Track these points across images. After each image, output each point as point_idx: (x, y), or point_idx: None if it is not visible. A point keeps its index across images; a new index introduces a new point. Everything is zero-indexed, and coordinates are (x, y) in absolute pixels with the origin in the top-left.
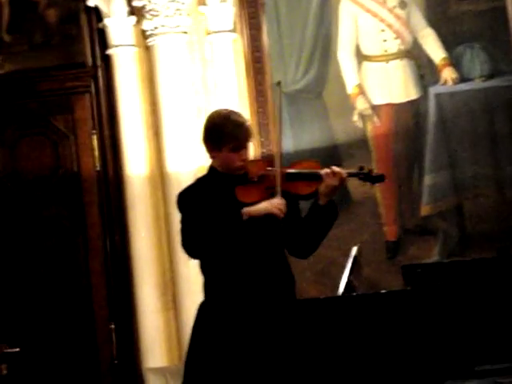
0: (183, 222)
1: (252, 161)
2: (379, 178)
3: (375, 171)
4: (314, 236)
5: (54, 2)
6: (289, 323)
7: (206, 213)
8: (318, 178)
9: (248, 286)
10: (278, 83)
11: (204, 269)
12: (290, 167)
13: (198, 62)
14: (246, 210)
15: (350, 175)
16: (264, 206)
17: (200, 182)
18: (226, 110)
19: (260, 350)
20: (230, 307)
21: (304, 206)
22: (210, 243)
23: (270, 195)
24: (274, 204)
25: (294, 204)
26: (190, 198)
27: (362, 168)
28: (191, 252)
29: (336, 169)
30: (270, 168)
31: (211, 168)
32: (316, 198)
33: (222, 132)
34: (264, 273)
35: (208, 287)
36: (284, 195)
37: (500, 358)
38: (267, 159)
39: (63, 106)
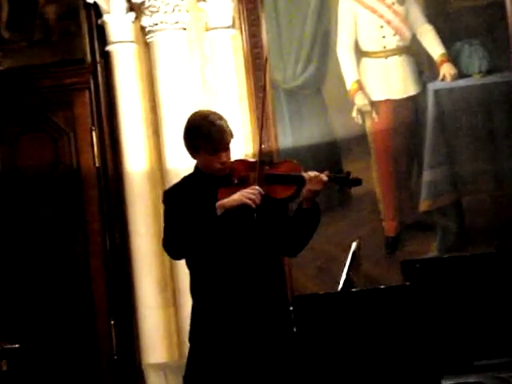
0: (164, 220)
1: (239, 161)
2: (356, 182)
3: (352, 175)
4: (300, 236)
5: None
6: (279, 320)
7: (186, 212)
8: (298, 181)
9: (231, 283)
10: (266, 59)
11: (189, 268)
12: (271, 169)
13: (197, 58)
14: (219, 203)
15: (331, 180)
16: (236, 196)
17: (185, 181)
18: (204, 111)
19: (254, 349)
20: (217, 307)
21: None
22: (186, 241)
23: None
24: (245, 194)
25: (277, 205)
26: (173, 197)
27: (340, 171)
28: (170, 251)
29: (315, 173)
30: (252, 171)
31: (196, 167)
32: (300, 202)
33: (198, 136)
34: (247, 269)
35: (194, 287)
36: (264, 198)
37: (499, 352)
38: (253, 162)
39: (63, 102)
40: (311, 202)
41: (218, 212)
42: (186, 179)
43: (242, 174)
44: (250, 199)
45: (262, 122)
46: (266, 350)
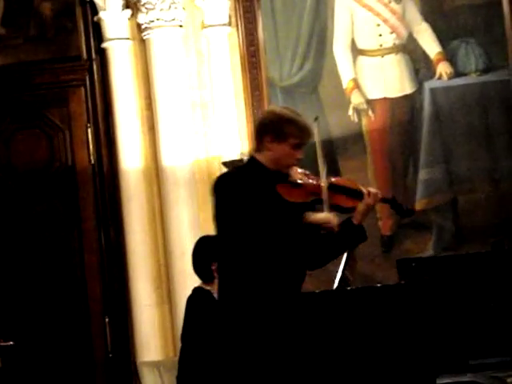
0: (231, 208)
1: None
2: (409, 213)
3: (406, 206)
4: (334, 252)
5: None
6: (291, 318)
7: (255, 204)
8: (358, 195)
9: (265, 284)
10: (316, 118)
11: (227, 269)
12: (335, 179)
13: (194, 55)
14: (307, 215)
15: (385, 201)
16: (321, 217)
17: (240, 172)
18: (293, 111)
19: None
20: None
21: None
22: (260, 233)
23: (313, 201)
24: (330, 218)
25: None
26: (235, 184)
27: (394, 198)
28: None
29: (373, 190)
30: (308, 173)
31: (254, 161)
32: (349, 217)
33: (290, 127)
34: (285, 276)
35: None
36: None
37: (494, 352)
38: (311, 175)
39: (58, 99)
40: (363, 217)
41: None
42: (240, 170)
43: (300, 176)
44: (331, 223)
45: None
46: (268, 350)
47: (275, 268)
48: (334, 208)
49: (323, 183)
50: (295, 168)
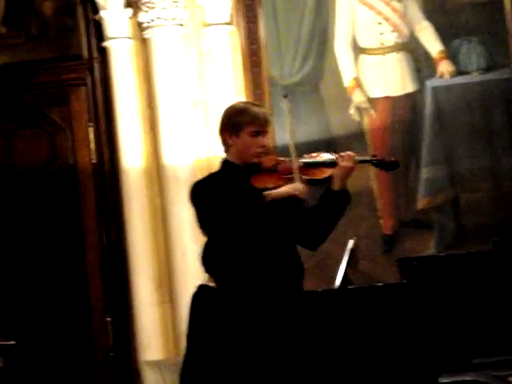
0: (207, 209)
1: (266, 156)
2: (393, 165)
3: (388, 159)
4: (325, 224)
5: None
6: (294, 316)
7: (228, 198)
8: (331, 164)
9: (260, 276)
10: (286, 96)
11: (216, 261)
12: (303, 158)
13: (195, 54)
14: (267, 192)
15: (364, 161)
16: (285, 189)
17: (213, 176)
18: (244, 101)
19: (261, 344)
20: (241, 298)
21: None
22: (238, 222)
23: (287, 182)
24: (294, 187)
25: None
26: (207, 188)
27: (374, 156)
28: (224, 235)
29: (345, 153)
30: (283, 158)
31: (225, 162)
32: (328, 185)
33: (242, 117)
34: (278, 265)
35: (221, 279)
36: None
37: (496, 351)
38: (278, 155)
39: (59, 98)
40: (342, 182)
41: (266, 199)
42: (213, 175)
43: (272, 161)
44: (298, 190)
45: (292, 131)
46: (272, 347)
47: (266, 261)
48: (311, 183)
49: (294, 161)
50: (268, 156)
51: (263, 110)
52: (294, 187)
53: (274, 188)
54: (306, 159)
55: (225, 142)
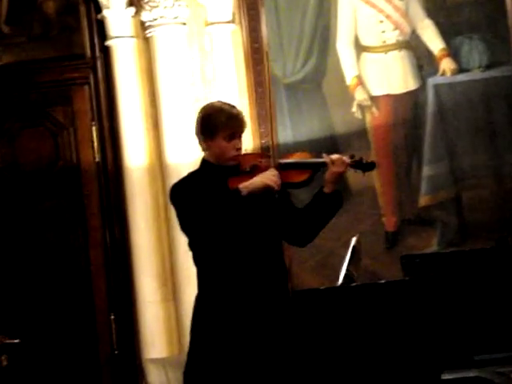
0: (184, 210)
1: (244, 154)
2: (370, 166)
3: (365, 159)
4: (315, 224)
5: None
6: (282, 315)
7: (204, 199)
8: (314, 166)
9: (242, 278)
10: (266, 53)
11: (198, 260)
12: (284, 157)
13: (197, 53)
14: (242, 185)
15: (353, 166)
16: (258, 179)
17: (192, 175)
18: (219, 101)
19: (256, 343)
20: (225, 300)
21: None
22: (214, 224)
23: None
24: (267, 176)
25: (285, 194)
26: (185, 189)
27: (352, 156)
28: (201, 236)
29: (335, 156)
30: (262, 159)
31: (203, 161)
32: (321, 186)
33: (216, 120)
34: (258, 265)
35: (202, 279)
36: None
37: (499, 347)
38: (260, 153)
39: (62, 97)
40: (334, 185)
41: (242, 193)
42: (192, 174)
43: (251, 162)
44: (272, 181)
45: (271, 114)
46: (269, 345)
47: (246, 261)
48: (286, 186)
49: (270, 163)
50: (247, 155)
51: (238, 111)
52: (267, 177)
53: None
54: (284, 160)
55: (200, 144)
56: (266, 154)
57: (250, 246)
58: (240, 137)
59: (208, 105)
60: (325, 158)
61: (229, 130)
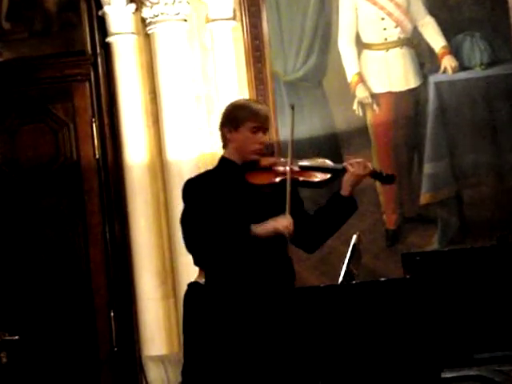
0: (187, 215)
1: (264, 154)
2: (390, 178)
3: (385, 172)
4: (327, 228)
5: None
6: (287, 314)
7: (212, 212)
8: (334, 171)
9: (248, 279)
10: (293, 107)
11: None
12: (305, 160)
13: (198, 49)
14: (254, 229)
15: (373, 175)
16: (272, 225)
17: (209, 173)
18: (247, 98)
19: (259, 339)
20: (230, 298)
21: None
22: (212, 250)
23: (280, 182)
24: (282, 223)
25: (298, 202)
26: (196, 189)
27: (381, 171)
28: (193, 252)
29: (357, 160)
30: (282, 159)
31: (222, 159)
32: (338, 190)
33: (243, 112)
34: (265, 268)
35: (208, 276)
36: (293, 184)
37: (499, 345)
38: (279, 157)
39: (63, 93)
40: (352, 188)
41: (252, 233)
42: (209, 171)
43: (271, 161)
44: (285, 228)
45: (293, 142)
46: (271, 343)
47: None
48: (302, 185)
49: (289, 164)
50: (266, 157)
51: (264, 107)
52: (281, 224)
53: (268, 184)
54: (304, 162)
55: (224, 137)
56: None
57: (254, 255)
58: (264, 132)
59: (235, 100)
60: (346, 164)
61: (254, 123)
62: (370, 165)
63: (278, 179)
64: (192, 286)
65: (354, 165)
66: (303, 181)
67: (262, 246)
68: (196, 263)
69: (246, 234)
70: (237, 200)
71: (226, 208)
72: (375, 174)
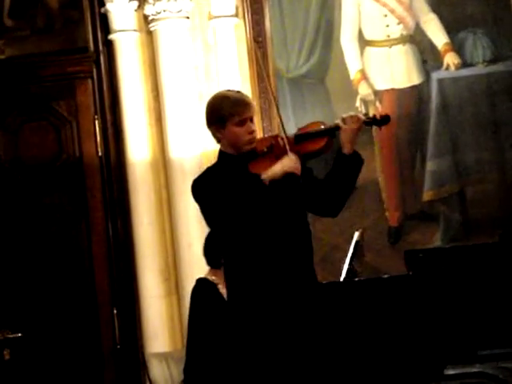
0: (210, 206)
1: (259, 138)
2: (385, 120)
3: (379, 114)
4: (341, 189)
5: None
6: (309, 307)
7: (228, 192)
8: (329, 132)
9: (273, 270)
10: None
11: (228, 254)
12: (298, 131)
13: (200, 46)
14: (264, 175)
15: (368, 123)
16: (278, 167)
17: (211, 170)
18: (224, 90)
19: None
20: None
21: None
22: (242, 215)
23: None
24: (285, 163)
25: (307, 170)
26: (206, 184)
27: (366, 114)
28: (230, 229)
29: (348, 114)
30: (275, 135)
31: (220, 153)
32: (339, 149)
33: (223, 108)
34: (289, 258)
35: (231, 270)
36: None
37: (502, 342)
38: (273, 135)
39: (65, 91)
40: (352, 144)
41: (266, 182)
42: (211, 168)
43: (267, 143)
44: (291, 168)
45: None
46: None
47: (275, 253)
48: (306, 157)
49: (285, 138)
50: (261, 138)
51: (242, 95)
52: (287, 163)
53: None
54: (298, 133)
55: (215, 135)
56: (280, 134)
57: (280, 236)
58: (251, 120)
59: (213, 95)
60: (338, 121)
61: (238, 116)
62: (361, 115)
63: (279, 159)
64: (201, 281)
65: (346, 120)
66: (304, 153)
67: (286, 243)
68: (228, 237)
69: (261, 185)
70: (247, 192)
71: (239, 198)
72: (370, 122)
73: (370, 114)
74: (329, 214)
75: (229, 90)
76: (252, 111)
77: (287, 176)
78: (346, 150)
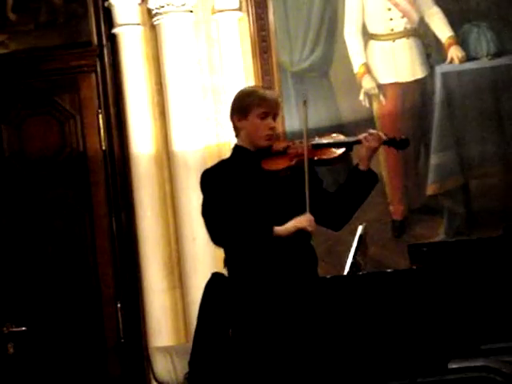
0: (208, 206)
1: (276, 139)
2: (404, 143)
3: (399, 137)
4: (351, 204)
5: None
6: (309, 301)
7: (233, 203)
8: (347, 145)
9: (272, 266)
10: (304, 102)
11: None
12: (319, 138)
13: (204, 40)
14: (276, 230)
15: (387, 143)
16: (293, 224)
17: (225, 162)
18: (254, 85)
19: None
20: (253, 288)
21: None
22: (235, 243)
23: (297, 164)
24: (302, 222)
25: (318, 181)
26: (215, 179)
27: (385, 134)
28: (217, 242)
29: (371, 131)
30: (294, 141)
31: (235, 147)
32: (356, 165)
33: (250, 99)
34: (288, 253)
35: (231, 264)
36: (309, 164)
37: (506, 336)
38: (291, 140)
39: (69, 85)
40: (369, 161)
41: (274, 234)
42: (224, 161)
43: (284, 144)
44: (304, 225)
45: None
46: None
47: (275, 253)
48: (319, 163)
49: (304, 144)
50: (279, 141)
51: (272, 92)
52: (301, 222)
53: (285, 168)
54: (316, 141)
55: (235, 127)
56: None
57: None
58: (274, 118)
59: (243, 88)
60: (360, 136)
61: (262, 108)
62: (382, 134)
63: (293, 161)
64: (216, 275)
65: (368, 138)
66: (318, 159)
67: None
68: (224, 250)
69: (269, 235)
70: (256, 188)
71: (246, 198)
72: (389, 142)
73: (390, 135)
74: (333, 227)
75: (258, 86)
76: (277, 108)
77: (298, 231)
78: (363, 166)
